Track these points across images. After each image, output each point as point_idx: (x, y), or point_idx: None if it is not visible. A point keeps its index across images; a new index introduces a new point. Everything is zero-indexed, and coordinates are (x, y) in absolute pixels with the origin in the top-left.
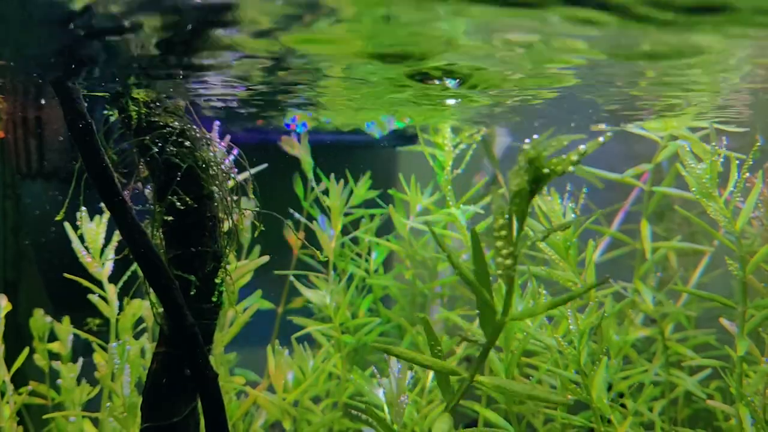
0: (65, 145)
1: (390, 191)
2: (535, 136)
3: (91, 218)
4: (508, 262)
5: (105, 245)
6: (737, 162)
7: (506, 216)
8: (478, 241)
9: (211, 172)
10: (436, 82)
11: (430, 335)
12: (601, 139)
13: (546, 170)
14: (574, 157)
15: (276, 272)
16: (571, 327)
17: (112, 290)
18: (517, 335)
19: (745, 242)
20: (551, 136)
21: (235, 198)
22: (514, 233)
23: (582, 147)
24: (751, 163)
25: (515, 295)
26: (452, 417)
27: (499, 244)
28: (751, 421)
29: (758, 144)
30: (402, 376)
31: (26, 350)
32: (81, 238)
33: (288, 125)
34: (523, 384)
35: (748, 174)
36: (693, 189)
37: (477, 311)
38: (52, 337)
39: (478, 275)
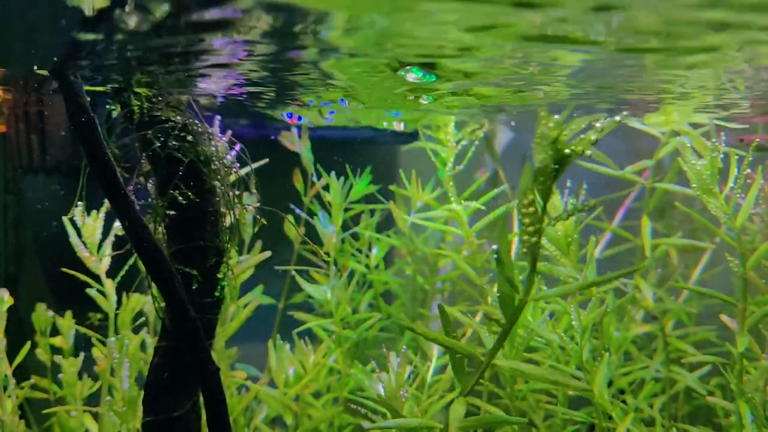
0: (67, 140)
1: (391, 187)
2: (556, 117)
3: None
4: (534, 239)
5: (102, 240)
6: (737, 158)
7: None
8: (503, 221)
9: (212, 166)
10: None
11: (445, 320)
12: (617, 118)
13: (567, 151)
14: (593, 136)
15: (277, 267)
16: (573, 323)
17: (110, 285)
18: (520, 332)
19: (746, 239)
20: (570, 117)
21: (236, 193)
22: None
23: (599, 125)
24: (751, 159)
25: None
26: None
27: (526, 221)
28: (751, 417)
29: (758, 140)
30: (401, 370)
31: (28, 344)
32: (80, 232)
33: (291, 116)
34: (538, 367)
35: (748, 170)
36: (694, 185)
37: (498, 293)
38: (54, 332)
39: (500, 254)
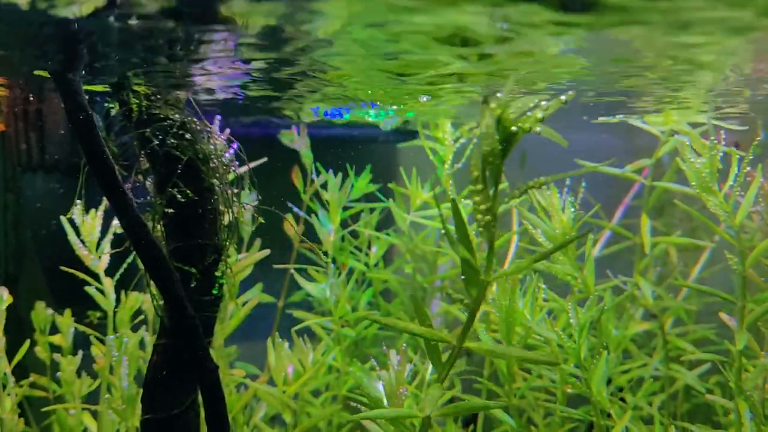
0: (66, 138)
1: (390, 185)
2: (499, 95)
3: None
4: (487, 218)
5: (101, 238)
6: (737, 157)
7: (482, 170)
8: (457, 206)
9: (211, 164)
10: None
11: (418, 308)
12: (563, 97)
13: (514, 128)
14: (539, 114)
15: (275, 266)
16: (571, 321)
17: (108, 283)
18: (518, 330)
19: (745, 237)
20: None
21: (235, 191)
22: (490, 191)
23: (545, 103)
24: (751, 158)
25: (517, 290)
26: (442, 387)
27: (477, 199)
28: (750, 415)
29: (758, 139)
30: (401, 368)
31: (27, 343)
32: (79, 230)
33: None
34: (510, 347)
35: (748, 168)
36: (693, 183)
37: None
38: (53, 330)
39: (460, 237)
